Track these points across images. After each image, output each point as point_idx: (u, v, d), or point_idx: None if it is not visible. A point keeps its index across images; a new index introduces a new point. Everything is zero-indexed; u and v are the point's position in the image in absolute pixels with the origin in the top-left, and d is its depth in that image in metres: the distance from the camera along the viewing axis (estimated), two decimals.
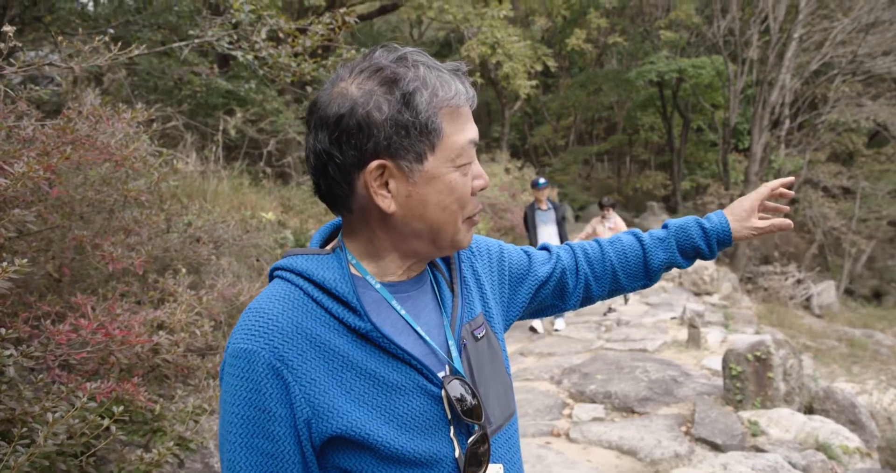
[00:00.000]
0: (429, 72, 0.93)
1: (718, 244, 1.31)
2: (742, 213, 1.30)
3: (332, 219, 1.11)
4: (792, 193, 1.35)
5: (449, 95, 0.94)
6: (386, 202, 0.94)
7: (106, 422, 1.85)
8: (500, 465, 1.03)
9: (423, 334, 1.00)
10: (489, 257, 1.21)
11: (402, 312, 0.99)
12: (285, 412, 0.89)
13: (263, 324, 0.91)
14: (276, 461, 0.90)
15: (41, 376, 1.91)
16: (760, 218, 1.33)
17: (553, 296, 1.29)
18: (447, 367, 1.00)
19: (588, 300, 1.33)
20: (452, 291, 1.09)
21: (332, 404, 0.90)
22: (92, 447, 1.91)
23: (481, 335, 1.08)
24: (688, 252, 1.31)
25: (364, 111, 0.90)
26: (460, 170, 0.96)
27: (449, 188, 0.95)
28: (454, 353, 1.01)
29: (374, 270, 1.01)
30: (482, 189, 1.01)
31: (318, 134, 0.94)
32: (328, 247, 1.04)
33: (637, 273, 1.31)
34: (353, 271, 1.00)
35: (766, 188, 1.32)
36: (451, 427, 0.97)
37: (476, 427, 0.99)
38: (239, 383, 0.90)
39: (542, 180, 7.83)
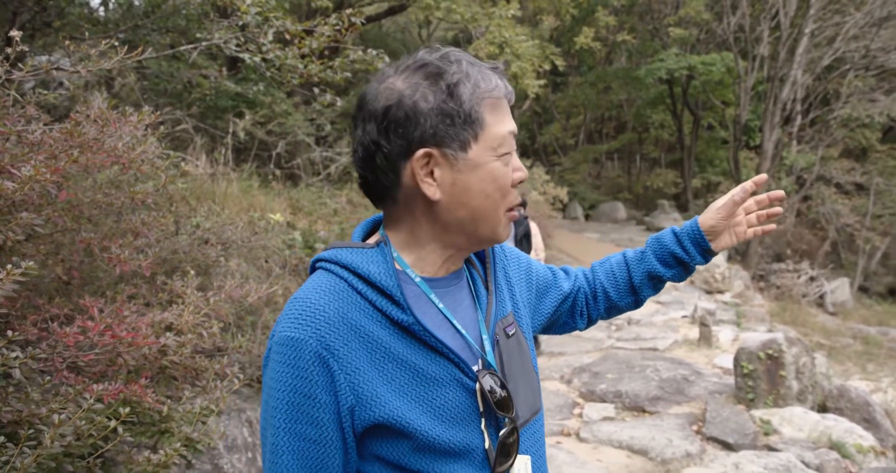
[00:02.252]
0: (471, 67, 0.99)
1: (693, 244, 1.28)
2: (712, 207, 1.28)
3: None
4: (765, 177, 1.27)
5: (490, 87, 0.99)
6: (431, 190, 0.98)
7: (113, 423, 1.86)
8: (528, 456, 1.07)
9: (459, 328, 1.03)
10: (519, 264, 1.27)
11: (441, 306, 1.03)
12: (330, 400, 0.92)
13: (310, 314, 0.94)
14: (318, 446, 0.93)
15: (48, 378, 1.92)
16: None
17: (567, 314, 1.36)
18: (480, 361, 1.04)
19: (591, 321, 1.39)
20: (487, 288, 1.13)
21: (375, 393, 0.93)
22: (99, 448, 1.92)
23: (512, 332, 1.11)
24: (666, 260, 1.31)
25: (411, 101, 0.96)
26: (501, 159, 1.00)
27: (491, 176, 0.99)
28: (487, 348, 1.05)
29: (413, 262, 1.05)
30: (521, 181, 1.04)
31: (365, 126, 0.99)
32: (371, 241, 1.08)
33: (624, 289, 1.35)
34: (394, 264, 1.04)
35: (740, 190, 1.26)
36: (483, 420, 1.01)
37: (506, 420, 1.02)
38: (285, 370, 0.93)
39: None
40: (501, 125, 1.00)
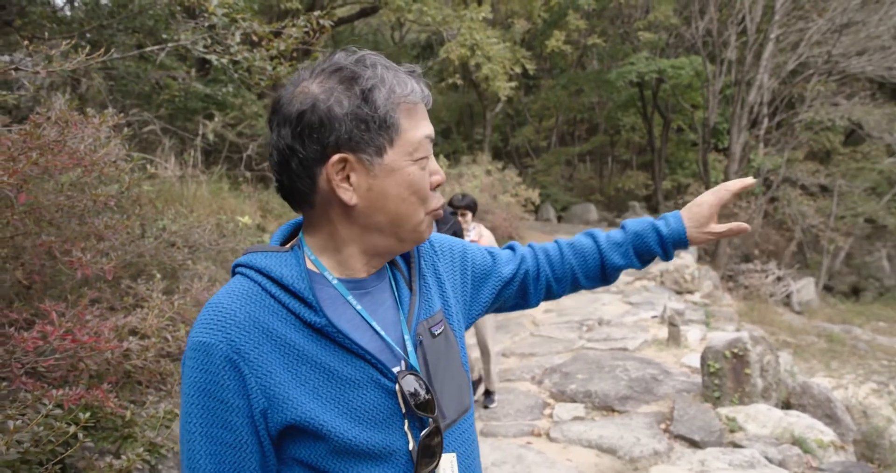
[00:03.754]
0: (386, 71, 0.98)
1: (674, 247, 1.31)
2: (701, 218, 1.28)
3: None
4: (753, 181, 1.31)
5: (405, 92, 0.98)
6: (348, 195, 0.98)
7: (72, 429, 1.83)
8: (454, 454, 1.06)
9: (378, 329, 1.02)
10: (451, 256, 1.24)
11: (358, 307, 1.02)
12: (242, 403, 0.92)
13: (221, 318, 0.94)
14: (234, 450, 0.93)
15: (5, 384, 1.88)
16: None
17: (516, 296, 1.32)
18: (403, 362, 1.03)
19: (549, 297, 1.37)
20: (411, 289, 1.12)
21: (288, 395, 0.93)
22: (58, 454, 1.89)
23: (439, 332, 1.10)
24: (644, 257, 1.32)
25: (325, 107, 0.95)
26: (418, 164, 1.00)
27: (408, 181, 0.99)
28: (410, 349, 1.04)
29: (332, 265, 1.04)
30: (439, 185, 1.05)
31: (280, 130, 0.98)
32: (288, 245, 1.07)
33: (595, 275, 1.34)
34: (311, 266, 1.03)
35: (726, 192, 1.29)
36: (406, 421, 1.00)
37: (429, 421, 1.01)
38: (197, 374, 0.93)
39: None
40: (417, 130, 1.00)
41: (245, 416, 0.93)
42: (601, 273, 1.34)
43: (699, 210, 1.29)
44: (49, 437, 1.83)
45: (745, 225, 1.28)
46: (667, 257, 1.31)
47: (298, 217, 1.10)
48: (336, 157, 0.96)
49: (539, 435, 4.66)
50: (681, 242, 1.30)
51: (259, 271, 0.99)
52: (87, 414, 1.91)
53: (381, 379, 0.99)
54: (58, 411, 1.92)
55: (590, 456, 4.26)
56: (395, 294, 1.10)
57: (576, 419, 4.91)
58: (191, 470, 0.94)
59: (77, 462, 2.17)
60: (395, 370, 1.01)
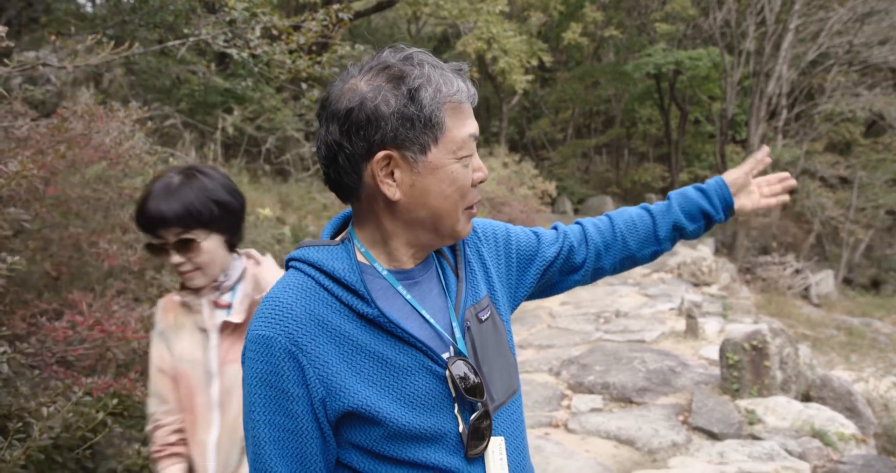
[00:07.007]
0: (433, 70, 1.01)
1: (721, 201, 1.35)
2: (737, 180, 1.36)
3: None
4: (766, 150, 1.41)
5: (451, 91, 1.01)
6: (391, 191, 1.01)
7: (101, 416, 1.88)
8: (502, 437, 1.10)
9: (428, 317, 1.07)
10: (496, 241, 1.26)
11: (408, 297, 1.07)
12: (302, 393, 0.98)
13: (279, 312, 0.99)
14: (296, 436, 0.99)
15: (37, 372, 1.93)
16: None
17: (560, 273, 1.33)
18: (451, 348, 1.07)
19: (600, 271, 1.36)
20: (457, 276, 1.15)
21: (344, 384, 0.98)
22: (88, 440, 1.94)
23: (486, 317, 1.14)
24: (693, 214, 1.35)
25: (373, 105, 0.98)
26: (461, 162, 1.03)
27: (450, 178, 1.02)
28: (458, 335, 1.08)
29: (381, 257, 1.08)
30: (481, 181, 1.07)
31: (329, 126, 1.01)
32: (338, 238, 1.11)
33: (647, 239, 1.35)
34: (361, 259, 1.07)
35: (751, 162, 1.38)
36: (456, 405, 1.05)
37: (478, 404, 1.06)
38: (259, 366, 0.98)
39: None
40: (462, 129, 1.03)
41: (305, 404, 0.98)
42: (653, 235, 1.35)
43: (733, 172, 1.38)
44: (79, 423, 1.88)
45: (785, 197, 1.37)
46: (715, 209, 1.34)
47: (347, 210, 1.14)
48: (381, 154, 0.99)
49: (557, 426, 4.68)
50: (721, 187, 1.35)
51: (312, 264, 1.04)
52: (116, 402, 1.95)
53: (431, 365, 1.03)
54: (87, 398, 1.97)
55: (608, 447, 4.27)
56: (441, 282, 1.13)
57: (594, 410, 4.92)
58: (256, 456, 1.00)
59: (106, 449, 2.22)
60: (445, 356, 1.05)
